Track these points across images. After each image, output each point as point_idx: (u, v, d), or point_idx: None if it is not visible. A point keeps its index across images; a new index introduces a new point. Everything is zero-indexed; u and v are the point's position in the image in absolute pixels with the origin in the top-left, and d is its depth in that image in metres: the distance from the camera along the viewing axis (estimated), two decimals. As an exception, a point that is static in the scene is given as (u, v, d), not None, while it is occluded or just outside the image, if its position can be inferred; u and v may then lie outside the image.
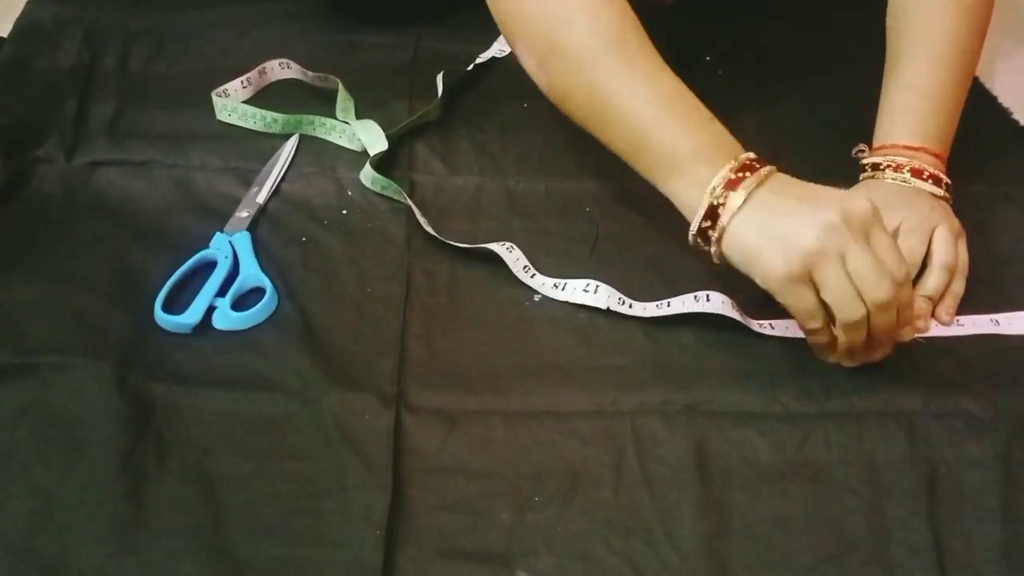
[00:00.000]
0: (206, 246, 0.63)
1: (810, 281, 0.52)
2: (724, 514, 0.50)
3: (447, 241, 0.63)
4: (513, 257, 0.62)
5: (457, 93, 0.78)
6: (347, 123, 0.73)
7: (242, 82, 0.76)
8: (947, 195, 0.64)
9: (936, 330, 0.60)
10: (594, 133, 0.60)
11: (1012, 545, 0.49)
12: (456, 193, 0.69)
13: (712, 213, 0.54)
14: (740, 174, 0.54)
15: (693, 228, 0.55)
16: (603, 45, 0.58)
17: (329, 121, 0.73)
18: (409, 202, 0.66)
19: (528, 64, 0.62)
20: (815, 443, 0.53)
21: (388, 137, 0.72)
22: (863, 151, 0.68)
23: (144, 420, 0.53)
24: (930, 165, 0.64)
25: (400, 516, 0.49)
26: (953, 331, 0.60)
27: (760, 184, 0.53)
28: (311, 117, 0.73)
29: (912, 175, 0.63)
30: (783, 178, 0.55)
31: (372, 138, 0.71)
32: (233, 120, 0.74)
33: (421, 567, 0.47)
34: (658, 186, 0.57)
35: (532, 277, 0.61)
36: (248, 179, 0.69)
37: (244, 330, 0.58)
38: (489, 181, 0.70)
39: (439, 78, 0.77)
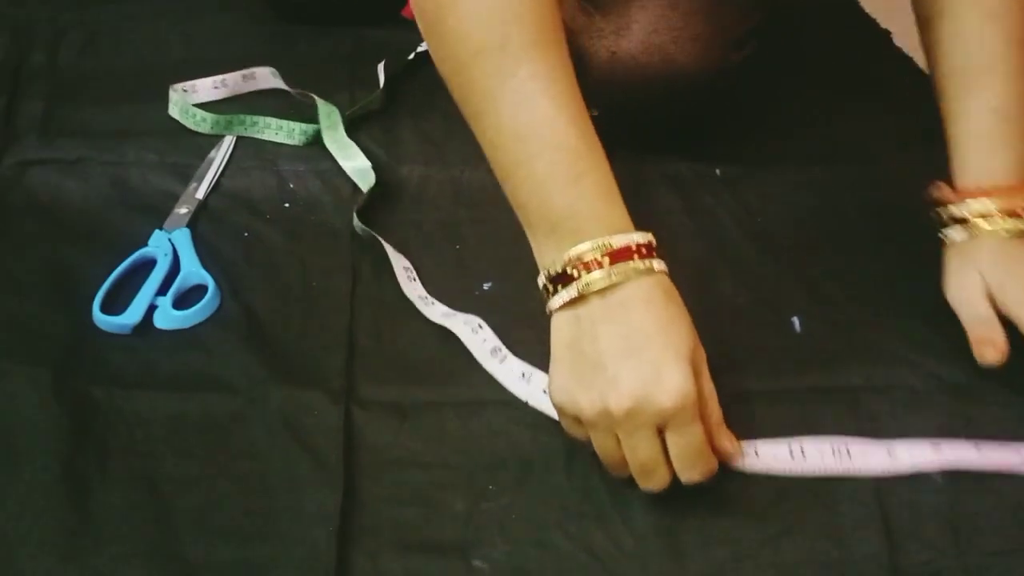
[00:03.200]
0: (144, 244, 0.62)
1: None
2: (676, 494, 0.50)
3: (422, 311, 0.58)
4: (479, 339, 0.56)
5: (400, 82, 0.77)
6: (294, 124, 0.72)
7: (214, 83, 0.74)
8: None
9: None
10: (476, 139, 0.51)
11: (956, 513, 0.50)
12: (400, 183, 0.68)
13: (546, 289, 0.49)
14: (584, 268, 0.47)
15: (539, 286, 0.50)
16: (481, 39, 0.48)
17: (262, 119, 0.71)
18: (390, 252, 0.61)
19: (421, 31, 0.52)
20: (761, 422, 0.54)
21: (324, 101, 0.70)
22: (940, 188, 0.58)
23: (85, 425, 0.51)
24: None
25: (353, 511, 0.49)
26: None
27: (605, 289, 0.47)
28: (242, 117, 0.72)
29: None
30: (640, 291, 0.47)
31: (360, 171, 0.67)
32: (175, 115, 0.72)
33: (376, 561, 0.47)
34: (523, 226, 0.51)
35: (502, 362, 0.55)
36: (186, 175, 0.67)
37: (187, 329, 0.57)
38: (434, 171, 0.70)
39: (380, 67, 0.76)
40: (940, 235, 0.58)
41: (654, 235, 0.50)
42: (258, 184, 0.68)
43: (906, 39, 0.84)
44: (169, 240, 0.62)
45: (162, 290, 0.59)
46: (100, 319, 0.56)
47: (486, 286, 0.61)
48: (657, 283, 0.48)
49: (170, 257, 0.60)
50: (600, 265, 0.47)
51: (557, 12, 0.49)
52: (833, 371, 0.57)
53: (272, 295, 0.60)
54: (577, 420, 0.49)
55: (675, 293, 0.49)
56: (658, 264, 0.48)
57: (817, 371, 0.57)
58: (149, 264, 0.60)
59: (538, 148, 0.48)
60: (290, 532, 0.47)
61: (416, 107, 0.75)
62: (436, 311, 0.58)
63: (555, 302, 0.49)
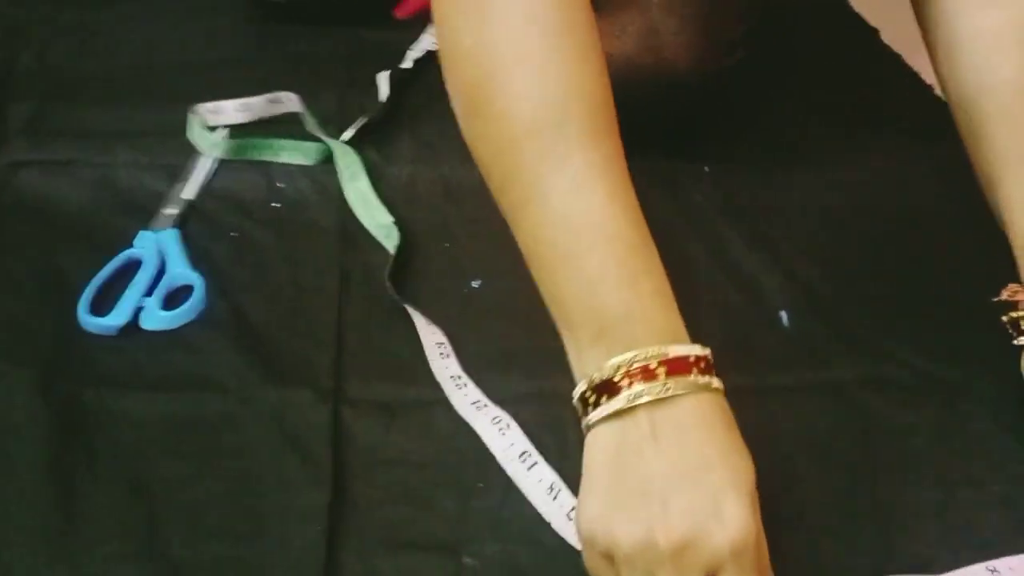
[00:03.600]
0: (131, 245, 0.61)
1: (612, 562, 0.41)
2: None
3: (449, 396, 0.54)
4: (506, 441, 0.51)
5: (394, 85, 0.77)
6: (296, 139, 0.70)
7: (237, 106, 0.72)
8: None
9: None
10: (513, 231, 0.46)
11: (947, 508, 0.50)
12: (390, 181, 0.68)
13: (585, 400, 0.43)
14: (635, 377, 0.41)
15: (575, 396, 0.44)
16: (534, 119, 0.43)
17: (276, 142, 0.70)
18: (421, 325, 0.57)
19: (455, 109, 0.47)
20: (754, 418, 0.54)
21: (340, 142, 0.69)
22: (1013, 292, 0.52)
23: (74, 426, 0.51)
24: None
25: (343, 511, 0.48)
26: None
27: (657, 403, 0.40)
28: (255, 141, 0.70)
29: None
30: (698, 410, 0.41)
31: (384, 228, 0.63)
32: (191, 138, 0.70)
33: (366, 561, 0.47)
34: (559, 329, 0.45)
35: (530, 470, 0.49)
36: (175, 175, 0.67)
37: (175, 329, 0.57)
38: (423, 169, 0.70)
39: (379, 78, 0.76)
40: (1016, 343, 0.51)
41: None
42: (247, 184, 0.67)
43: (893, 37, 0.84)
44: (155, 241, 0.62)
45: (149, 291, 0.58)
46: (86, 320, 0.56)
47: (475, 284, 0.61)
48: (716, 403, 0.42)
49: (156, 258, 0.60)
50: (655, 375, 0.41)
51: (611, 94, 0.45)
52: (824, 367, 0.57)
53: (261, 295, 0.59)
54: (607, 557, 0.41)
55: (732, 418, 0.43)
56: (717, 382, 0.43)
57: (808, 367, 0.57)
58: (135, 265, 0.60)
59: (591, 241, 0.43)
60: (280, 531, 0.47)
61: (411, 108, 0.75)
62: (465, 398, 0.53)
63: (596, 415, 0.42)
